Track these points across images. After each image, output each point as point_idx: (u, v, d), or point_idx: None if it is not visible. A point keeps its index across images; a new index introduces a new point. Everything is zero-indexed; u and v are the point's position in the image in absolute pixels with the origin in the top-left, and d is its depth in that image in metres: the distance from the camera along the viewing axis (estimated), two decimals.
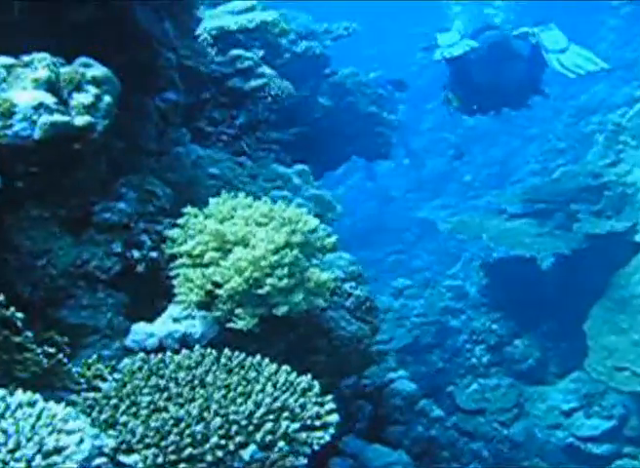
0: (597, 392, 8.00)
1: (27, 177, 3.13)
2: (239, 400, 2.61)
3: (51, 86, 3.16)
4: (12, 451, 2.03)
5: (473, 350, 9.24)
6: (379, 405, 6.03)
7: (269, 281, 3.20)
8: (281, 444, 2.54)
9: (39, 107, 3.06)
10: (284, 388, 2.74)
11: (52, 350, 2.66)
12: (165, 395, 2.66)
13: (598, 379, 7.37)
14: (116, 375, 2.84)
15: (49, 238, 3.27)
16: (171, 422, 2.50)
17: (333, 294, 3.75)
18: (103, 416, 2.59)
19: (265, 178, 5.97)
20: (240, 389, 2.68)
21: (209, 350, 2.94)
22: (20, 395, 2.26)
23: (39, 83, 3.12)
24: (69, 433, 2.17)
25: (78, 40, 3.73)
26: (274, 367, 2.88)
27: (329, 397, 2.78)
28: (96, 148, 3.20)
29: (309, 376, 2.85)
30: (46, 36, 3.44)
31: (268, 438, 2.53)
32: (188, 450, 2.43)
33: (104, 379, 2.86)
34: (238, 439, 2.50)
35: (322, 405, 2.74)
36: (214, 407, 2.56)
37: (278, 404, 2.62)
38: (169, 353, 2.93)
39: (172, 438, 2.45)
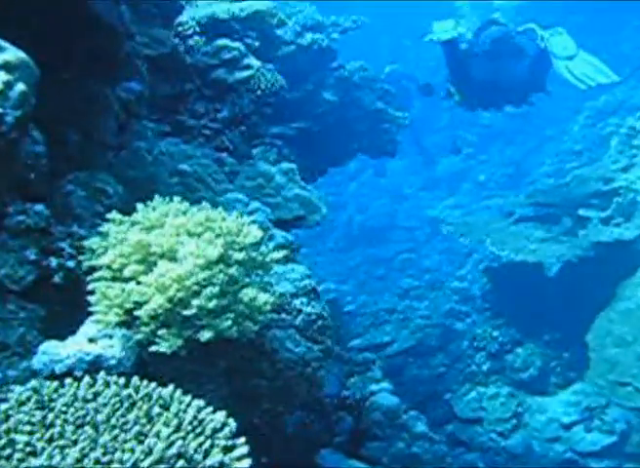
0: (599, 406, 7.71)
1: None
2: (128, 445, 2.18)
3: None
4: None
5: (474, 357, 8.82)
6: (359, 418, 5.62)
7: (196, 302, 2.76)
8: None
9: None
10: (189, 428, 2.31)
11: None
12: (48, 434, 2.24)
13: (599, 393, 7.01)
14: (2, 406, 2.41)
15: None
16: None
17: (280, 312, 3.31)
18: None
19: (247, 177, 5.56)
20: (136, 429, 2.26)
21: (114, 378, 2.51)
22: None
23: None
24: None
25: (26, 27, 3.34)
26: (187, 400, 2.45)
27: (241, 439, 2.34)
28: (7, 143, 2.77)
29: (224, 413, 2.41)
30: None
31: None
32: None
33: None
34: None
35: (231, 449, 2.30)
36: (95, 454, 2.13)
37: (174, 450, 2.18)
38: (69, 380, 2.51)
39: None
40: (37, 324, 2.95)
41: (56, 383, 2.49)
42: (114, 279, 2.86)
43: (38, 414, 2.32)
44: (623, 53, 14.76)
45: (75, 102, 4.10)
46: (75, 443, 2.20)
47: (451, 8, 8.84)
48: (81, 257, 3.03)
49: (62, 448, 2.19)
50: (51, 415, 2.33)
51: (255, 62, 5.81)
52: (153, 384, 2.51)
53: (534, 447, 7.64)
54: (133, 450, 2.15)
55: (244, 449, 2.31)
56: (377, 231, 14.19)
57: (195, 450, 2.23)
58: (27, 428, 2.26)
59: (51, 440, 2.23)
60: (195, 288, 2.78)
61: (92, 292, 2.89)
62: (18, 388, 2.48)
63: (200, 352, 2.99)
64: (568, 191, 8.54)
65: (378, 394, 5.60)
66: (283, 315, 3.38)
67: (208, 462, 2.20)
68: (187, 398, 2.47)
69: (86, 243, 3.03)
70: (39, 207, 3.05)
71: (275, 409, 3.16)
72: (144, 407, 2.37)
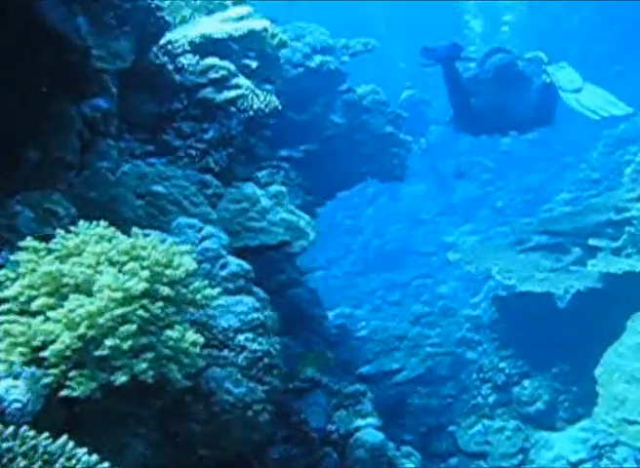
0: (608, 443, 7.18)
1: None
2: None
3: None
4: None
5: (480, 388, 8.35)
6: (343, 455, 5.20)
7: (109, 342, 2.39)
8: None
9: None
10: None
11: None
12: None
13: (607, 431, 6.52)
14: None
15: None
16: None
17: (222, 348, 2.93)
18: None
19: (231, 199, 5.21)
20: None
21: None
22: None
23: None
24: None
25: None
26: (78, 454, 2.08)
27: None
28: None
29: None
30: None
31: None
32: None
33: None
34: None
35: None
36: None
37: None
38: None
39: None
40: None
41: None
42: (22, 313, 2.49)
43: None
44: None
45: (35, 119, 3.80)
46: None
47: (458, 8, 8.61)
48: None
49: None
50: None
51: (244, 82, 5.46)
52: (44, 435, 2.14)
53: None
54: None
55: None
56: (393, 256, 13.86)
57: None
58: None
59: None
60: (110, 325, 2.41)
61: None
62: None
63: (135, 389, 2.63)
64: (579, 220, 8.09)
65: (363, 429, 5.15)
66: (225, 352, 2.99)
67: None
68: (79, 451, 2.10)
69: None
70: None
71: (213, 455, 2.78)
72: (22, 463, 2.00)
